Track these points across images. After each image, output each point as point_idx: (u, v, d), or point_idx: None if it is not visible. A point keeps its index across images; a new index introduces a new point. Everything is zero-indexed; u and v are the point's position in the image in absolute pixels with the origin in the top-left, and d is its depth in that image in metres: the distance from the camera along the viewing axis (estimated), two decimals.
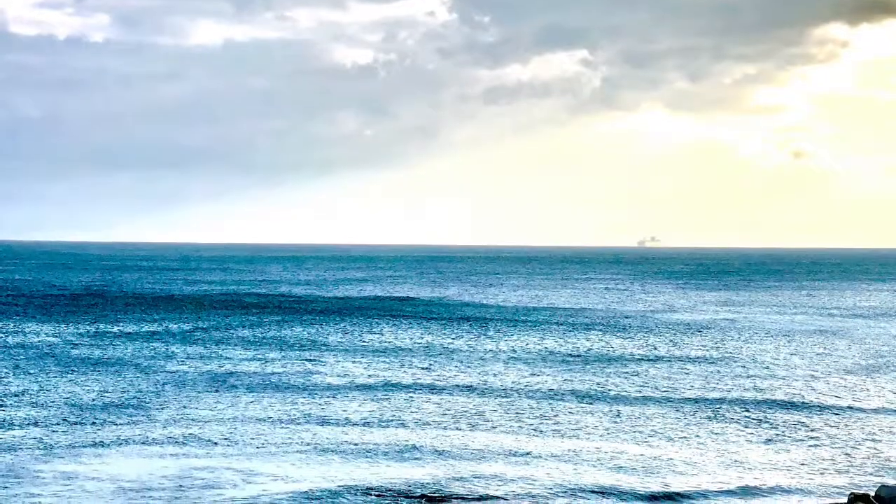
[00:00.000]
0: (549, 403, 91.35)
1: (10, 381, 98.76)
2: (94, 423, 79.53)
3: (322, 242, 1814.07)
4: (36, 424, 78.63)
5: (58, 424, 78.81)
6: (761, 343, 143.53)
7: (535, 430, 79.60)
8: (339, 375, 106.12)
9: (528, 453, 71.61)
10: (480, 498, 60.24)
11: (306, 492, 60.38)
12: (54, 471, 64.36)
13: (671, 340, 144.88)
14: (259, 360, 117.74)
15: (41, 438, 73.56)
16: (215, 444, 73.09)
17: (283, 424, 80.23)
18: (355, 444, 73.31)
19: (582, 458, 70.67)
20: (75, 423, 79.37)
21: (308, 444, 73.12)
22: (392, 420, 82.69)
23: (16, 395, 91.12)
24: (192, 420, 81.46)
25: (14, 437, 74.10)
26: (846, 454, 73.18)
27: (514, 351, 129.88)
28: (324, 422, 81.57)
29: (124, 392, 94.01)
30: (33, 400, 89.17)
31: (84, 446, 71.48)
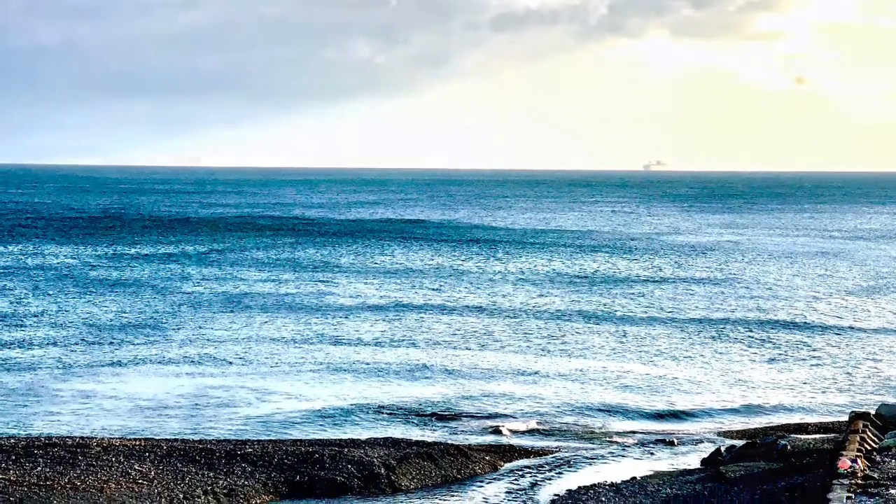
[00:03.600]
0: (557, 324, 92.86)
1: (29, 302, 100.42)
2: (111, 343, 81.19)
3: (335, 166, 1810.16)
4: (55, 344, 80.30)
5: (76, 344, 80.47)
6: (764, 264, 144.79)
7: (542, 350, 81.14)
8: (351, 296, 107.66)
9: (535, 372, 73.16)
10: (489, 416, 61.80)
11: (319, 410, 61.95)
12: (73, 389, 65.99)
13: (676, 262, 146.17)
14: (273, 281, 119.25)
15: (60, 358, 75.21)
16: (230, 363, 74.72)
17: (296, 344, 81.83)
18: (367, 364, 74.90)
19: (588, 377, 72.21)
20: (93, 343, 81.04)
21: (321, 364, 74.72)
22: (403, 340, 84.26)
23: (35, 316, 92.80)
24: (208, 340, 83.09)
25: (34, 356, 75.78)
26: (847, 373, 74.66)
27: (523, 272, 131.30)
28: (336, 342, 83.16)
29: (141, 313, 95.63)
30: (52, 320, 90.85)
31: (102, 366, 73.12)
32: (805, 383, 71.68)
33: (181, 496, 44.28)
